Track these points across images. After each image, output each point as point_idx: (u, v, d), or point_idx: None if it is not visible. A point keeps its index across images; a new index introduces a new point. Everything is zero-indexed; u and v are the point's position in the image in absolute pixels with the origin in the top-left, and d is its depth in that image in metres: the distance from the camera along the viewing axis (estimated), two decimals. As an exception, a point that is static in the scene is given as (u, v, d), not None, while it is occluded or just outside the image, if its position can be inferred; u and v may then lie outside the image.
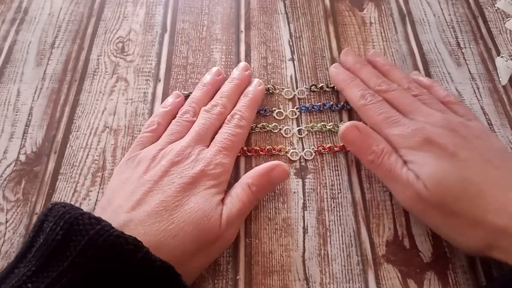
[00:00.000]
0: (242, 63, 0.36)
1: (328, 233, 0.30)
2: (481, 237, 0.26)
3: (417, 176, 0.27)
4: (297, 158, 0.33)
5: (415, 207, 0.28)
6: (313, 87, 0.37)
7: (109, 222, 0.23)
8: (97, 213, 0.26)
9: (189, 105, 0.33)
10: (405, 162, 0.28)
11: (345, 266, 0.29)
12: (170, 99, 0.34)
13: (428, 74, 0.38)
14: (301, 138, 0.35)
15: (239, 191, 0.29)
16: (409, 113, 0.31)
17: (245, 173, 0.32)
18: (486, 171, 0.27)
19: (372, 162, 0.29)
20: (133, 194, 0.27)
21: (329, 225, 0.31)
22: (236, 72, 0.35)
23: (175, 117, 0.33)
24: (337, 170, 0.33)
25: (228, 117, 0.32)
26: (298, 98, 0.37)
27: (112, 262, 0.21)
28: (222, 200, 0.28)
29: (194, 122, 0.32)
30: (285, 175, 0.30)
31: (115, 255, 0.21)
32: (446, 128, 0.29)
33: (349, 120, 0.35)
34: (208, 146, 0.30)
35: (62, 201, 0.28)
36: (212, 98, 0.34)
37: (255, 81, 0.35)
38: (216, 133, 0.31)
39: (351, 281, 0.28)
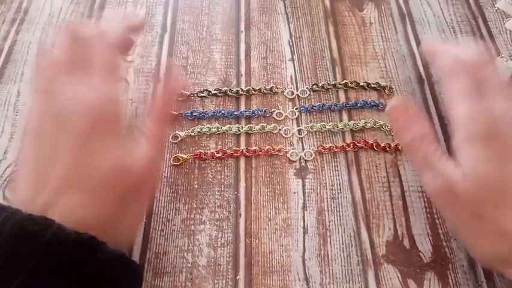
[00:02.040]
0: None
1: (328, 233, 0.30)
2: (500, 250, 0.24)
3: (460, 167, 0.25)
4: (297, 158, 0.33)
5: (443, 199, 0.27)
6: (314, 86, 0.37)
7: (17, 209, 0.21)
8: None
9: None
10: (454, 152, 0.26)
11: (345, 266, 0.29)
12: None
13: (428, 75, 0.38)
14: (301, 138, 0.35)
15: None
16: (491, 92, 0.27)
17: (245, 173, 0.33)
18: None
19: (409, 145, 0.28)
20: None
21: (329, 225, 0.31)
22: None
23: None
24: (337, 170, 0.33)
25: None
26: (299, 97, 0.37)
27: (25, 247, 0.20)
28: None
29: None
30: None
31: (26, 239, 0.20)
32: None
33: (349, 120, 0.35)
34: None
35: None
36: None
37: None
38: None
39: (351, 281, 0.28)
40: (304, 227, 0.30)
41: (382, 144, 0.34)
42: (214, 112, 0.35)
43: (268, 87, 0.37)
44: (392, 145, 0.34)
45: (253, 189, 0.32)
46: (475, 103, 0.26)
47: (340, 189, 0.32)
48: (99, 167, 0.24)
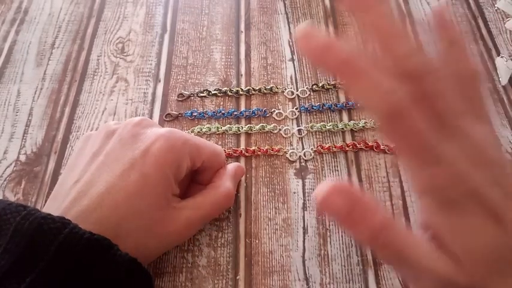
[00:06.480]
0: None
1: (328, 233, 0.30)
2: None
3: (446, 251, 0.18)
4: (296, 158, 0.33)
5: None
6: (314, 86, 0.37)
7: (36, 208, 0.22)
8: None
9: None
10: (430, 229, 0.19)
11: (345, 266, 0.29)
12: None
13: (428, 74, 0.38)
14: (301, 138, 0.35)
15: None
16: (448, 132, 0.17)
17: (245, 173, 0.33)
18: None
19: (371, 241, 0.18)
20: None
21: (329, 225, 0.31)
22: None
23: None
24: (337, 170, 0.33)
25: None
26: (299, 97, 0.37)
27: (41, 243, 0.21)
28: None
29: None
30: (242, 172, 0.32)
31: (42, 236, 0.21)
32: (495, 180, 0.17)
33: (349, 120, 0.35)
34: None
35: None
36: None
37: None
38: None
39: (351, 281, 0.28)
40: (304, 227, 0.30)
41: (382, 146, 0.34)
42: (214, 112, 0.35)
43: (268, 87, 0.37)
44: (392, 146, 0.34)
45: (253, 189, 0.32)
46: (434, 166, 0.17)
47: (340, 189, 0.32)
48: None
